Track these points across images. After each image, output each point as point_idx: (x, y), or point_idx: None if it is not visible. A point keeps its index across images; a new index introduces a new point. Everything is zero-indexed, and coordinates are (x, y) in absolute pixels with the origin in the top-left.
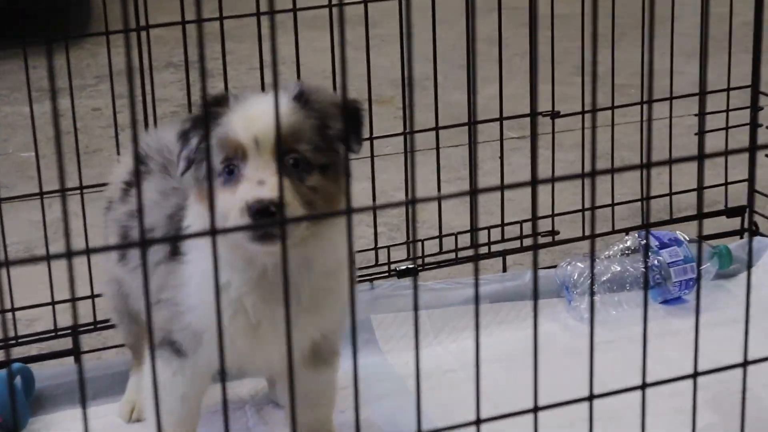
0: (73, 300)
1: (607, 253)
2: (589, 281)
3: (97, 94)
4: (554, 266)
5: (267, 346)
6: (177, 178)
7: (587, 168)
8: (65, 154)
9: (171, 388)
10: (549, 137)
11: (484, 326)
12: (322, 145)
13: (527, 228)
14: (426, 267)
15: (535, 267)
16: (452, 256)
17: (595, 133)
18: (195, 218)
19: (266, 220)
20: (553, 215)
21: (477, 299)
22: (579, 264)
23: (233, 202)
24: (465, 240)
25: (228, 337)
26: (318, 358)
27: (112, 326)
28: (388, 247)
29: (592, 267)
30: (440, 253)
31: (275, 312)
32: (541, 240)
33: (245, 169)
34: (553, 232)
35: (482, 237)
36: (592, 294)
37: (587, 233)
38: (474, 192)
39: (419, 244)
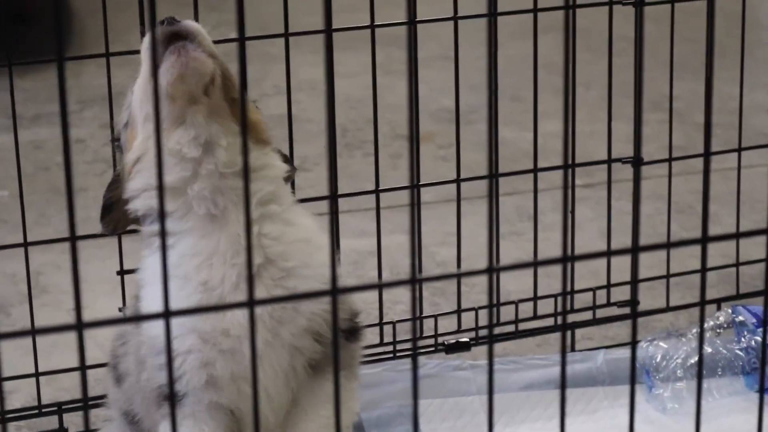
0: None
1: (695, 330)
2: (673, 365)
3: (80, 122)
4: (630, 343)
5: (238, 329)
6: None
7: (673, 227)
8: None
9: None
10: (621, 186)
11: (548, 418)
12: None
13: (600, 297)
14: (480, 341)
15: (635, 346)
16: (511, 328)
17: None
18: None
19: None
20: (633, 282)
21: (563, 385)
22: (662, 344)
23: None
24: (526, 309)
25: (197, 332)
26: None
27: (98, 405)
28: (435, 317)
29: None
30: (497, 324)
31: (239, 280)
32: (618, 311)
33: None
34: (632, 302)
35: (546, 306)
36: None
37: (671, 304)
38: (569, 259)
39: (472, 313)
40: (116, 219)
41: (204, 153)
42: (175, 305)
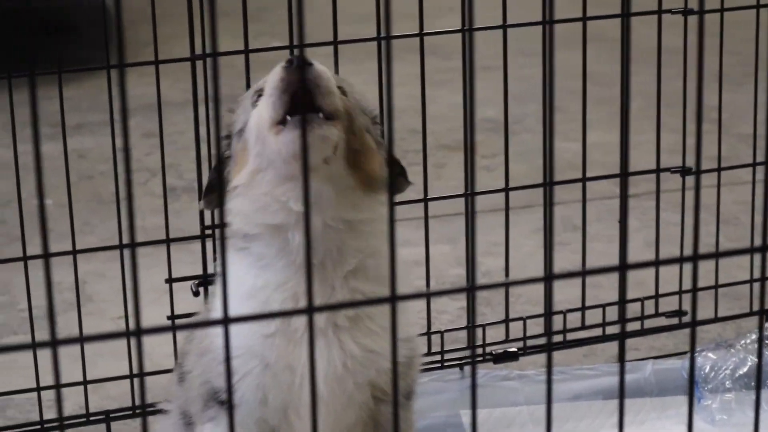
0: (142, 377)
1: (744, 341)
2: (722, 376)
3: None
4: (679, 354)
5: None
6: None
7: (722, 238)
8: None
9: None
10: (666, 196)
11: (595, 429)
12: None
13: (649, 306)
14: (529, 351)
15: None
16: (559, 338)
17: None
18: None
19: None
20: (680, 292)
21: (622, 393)
22: (711, 355)
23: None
24: (574, 319)
25: (261, 358)
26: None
27: (151, 412)
28: (483, 326)
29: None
30: (545, 334)
31: (326, 326)
32: (666, 321)
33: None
34: (680, 312)
35: (595, 316)
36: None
37: (720, 314)
38: (624, 267)
39: (517, 323)
40: (217, 198)
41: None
42: (252, 332)
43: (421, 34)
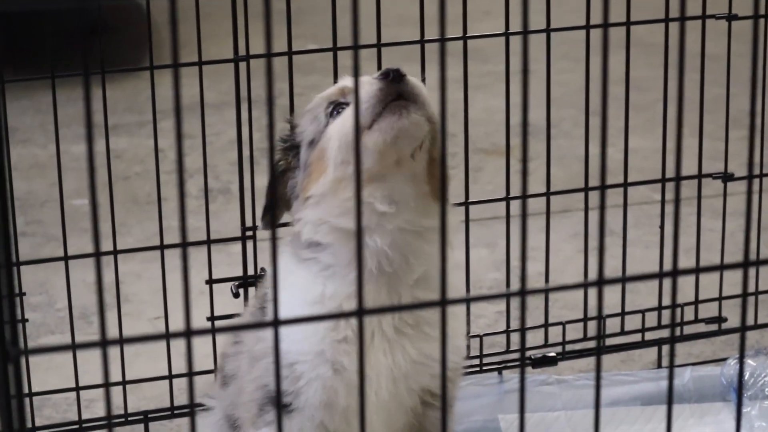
0: (191, 377)
1: None
2: (761, 383)
3: (158, 132)
4: (719, 360)
5: (375, 367)
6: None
7: (763, 246)
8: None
9: None
10: (704, 202)
11: None
12: None
13: (688, 313)
14: (567, 356)
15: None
16: (597, 343)
17: None
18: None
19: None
20: (720, 298)
21: (670, 400)
22: (750, 361)
23: (364, 97)
24: (613, 324)
25: (333, 363)
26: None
27: (188, 413)
28: (522, 330)
29: None
30: (583, 339)
31: (383, 323)
32: (705, 328)
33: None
34: (719, 319)
35: (634, 322)
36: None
37: (760, 321)
38: (671, 274)
39: (559, 327)
40: (274, 217)
41: (393, 209)
42: (321, 337)
43: (465, 38)
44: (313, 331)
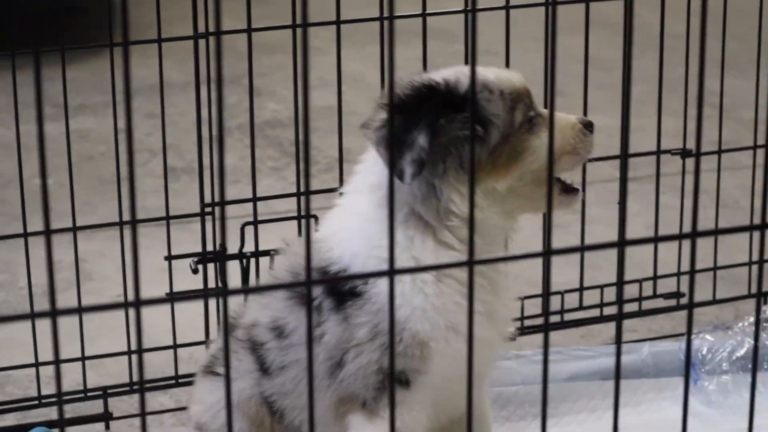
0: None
1: (741, 324)
2: (719, 358)
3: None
4: (676, 335)
5: (488, 339)
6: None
7: (719, 222)
8: (86, 182)
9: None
10: (666, 180)
11: (591, 410)
12: None
13: (647, 288)
14: (526, 331)
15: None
16: (557, 318)
17: None
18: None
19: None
20: (678, 274)
21: (618, 374)
22: (708, 336)
23: (564, 126)
24: (572, 300)
25: (463, 336)
26: None
27: (150, 389)
28: None
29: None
30: (542, 314)
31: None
32: (664, 303)
33: (541, 111)
34: (678, 294)
35: (593, 297)
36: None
37: (718, 297)
38: (624, 244)
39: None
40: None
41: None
42: (455, 309)
43: (424, 14)
44: (444, 304)
